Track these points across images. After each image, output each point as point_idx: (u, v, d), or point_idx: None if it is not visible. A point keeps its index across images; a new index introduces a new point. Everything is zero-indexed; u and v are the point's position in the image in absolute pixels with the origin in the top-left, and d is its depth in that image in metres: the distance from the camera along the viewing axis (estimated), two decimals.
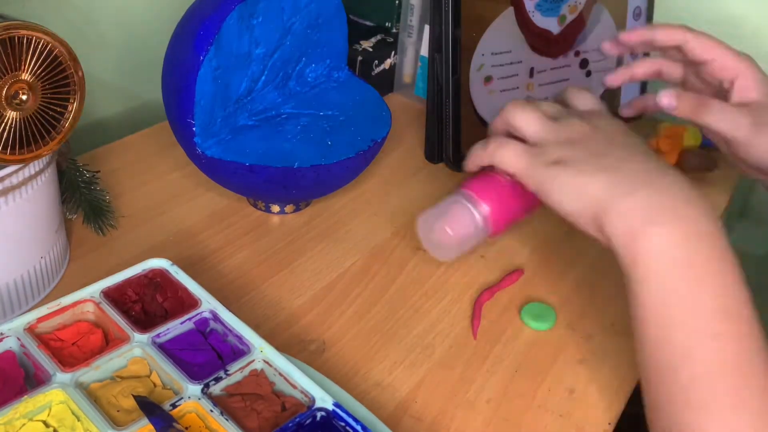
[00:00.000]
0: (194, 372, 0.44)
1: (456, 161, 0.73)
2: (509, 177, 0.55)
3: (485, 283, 0.60)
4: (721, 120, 0.55)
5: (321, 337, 0.53)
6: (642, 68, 0.62)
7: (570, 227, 0.67)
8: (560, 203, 0.46)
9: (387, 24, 0.89)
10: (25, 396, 0.40)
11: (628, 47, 0.62)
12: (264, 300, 0.56)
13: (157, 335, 0.46)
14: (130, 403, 0.42)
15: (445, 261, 0.60)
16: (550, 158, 0.46)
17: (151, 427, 0.40)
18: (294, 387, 0.44)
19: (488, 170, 0.56)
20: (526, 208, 0.59)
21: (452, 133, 0.73)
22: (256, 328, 0.52)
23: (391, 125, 0.64)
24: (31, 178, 0.49)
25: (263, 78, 0.63)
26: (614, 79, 0.63)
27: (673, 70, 0.62)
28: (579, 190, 0.44)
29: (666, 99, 0.56)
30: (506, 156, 0.48)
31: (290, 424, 0.41)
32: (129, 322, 0.46)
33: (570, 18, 0.79)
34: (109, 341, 0.46)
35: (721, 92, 0.58)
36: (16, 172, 0.48)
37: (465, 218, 0.52)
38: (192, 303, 0.48)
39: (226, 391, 0.43)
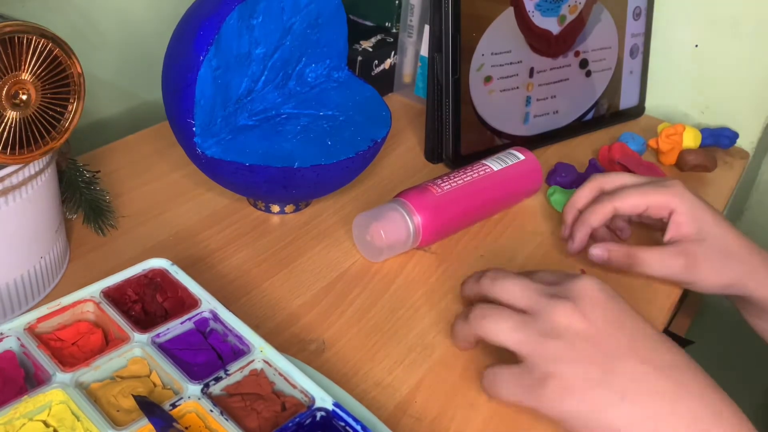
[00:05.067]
0: (194, 372, 0.44)
1: (455, 161, 0.73)
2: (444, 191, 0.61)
3: None
4: (652, 269, 0.57)
5: (321, 337, 0.53)
6: (596, 215, 0.60)
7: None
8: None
9: (387, 24, 0.89)
10: (25, 396, 0.40)
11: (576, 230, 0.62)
12: (264, 300, 0.56)
13: (157, 335, 0.46)
14: (130, 403, 0.42)
15: (375, 261, 0.61)
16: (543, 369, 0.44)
17: (151, 427, 0.40)
18: (294, 387, 0.44)
19: (425, 182, 0.61)
20: (459, 223, 0.64)
21: (452, 133, 0.73)
22: (256, 328, 0.52)
23: (391, 125, 0.64)
24: (31, 178, 0.49)
25: (263, 78, 0.63)
26: (576, 246, 0.61)
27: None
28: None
29: (597, 251, 0.59)
30: (495, 330, 0.46)
31: (290, 424, 0.41)
32: (129, 322, 0.46)
33: (570, 18, 0.79)
34: (109, 341, 0.46)
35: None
36: (16, 172, 0.48)
37: (399, 225, 0.59)
38: (192, 303, 0.48)
39: (226, 391, 0.43)
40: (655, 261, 0.57)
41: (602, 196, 0.60)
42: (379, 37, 0.87)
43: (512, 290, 0.47)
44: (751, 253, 0.57)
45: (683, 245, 0.56)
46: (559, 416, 0.43)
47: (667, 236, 0.58)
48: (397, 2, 0.87)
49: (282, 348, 0.51)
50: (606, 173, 0.62)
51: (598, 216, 0.59)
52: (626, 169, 0.75)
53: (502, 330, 0.45)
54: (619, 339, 0.44)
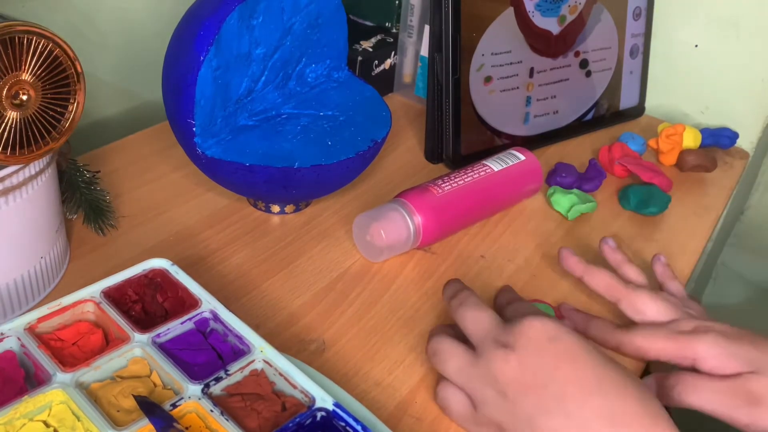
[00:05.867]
0: (194, 372, 0.44)
1: (455, 161, 0.73)
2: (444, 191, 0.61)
3: (485, 282, 0.60)
4: (712, 408, 0.47)
5: (321, 337, 0.53)
6: (597, 334, 0.54)
7: (570, 225, 0.68)
8: None
9: (387, 24, 0.89)
10: (26, 396, 0.40)
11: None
12: (264, 300, 0.56)
13: (158, 335, 0.46)
14: (130, 403, 0.42)
15: (375, 261, 0.61)
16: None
17: (151, 427, 0.40)
18: (294, 387, 0.44)
19: (425, 182, 0.61)
20: (459, 224, 0.64)
21: (452, 133, 0.73)
22: (256, 328, 0.52)
23: (391, 125, 0.64)
24: (31, 178, 0.49)
25: (263, 78, 0.63)
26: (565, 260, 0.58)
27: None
28: None
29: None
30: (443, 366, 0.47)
31: (290, 424, 0.41)
32: (129, 322, 0.46)
33: (570, 18, 0.79)
34: (110, 341, 0.46)
35: None
36: (16, 172, 0.48)
37: (400, 225, 0.59)
38: (192, 303, 0.48)
39: (227, 391, 0.43)
40: (717, 398, 0.47)
41: (621, 325, 0.53)
42: (379, 37, 0.87)
43: (468, 325, 0.47)
44: None
45: (739, 381, 0.46)
46: None
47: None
48: (397, 2, 0.86)
49: (282, 348, 0.51)
50: (638, 289, 0.53)
51: (601, 337, 0.53)
52: (626, 170, 0.75)
53: (449, 369, 0.46)
54: (550, 392, 0.42)
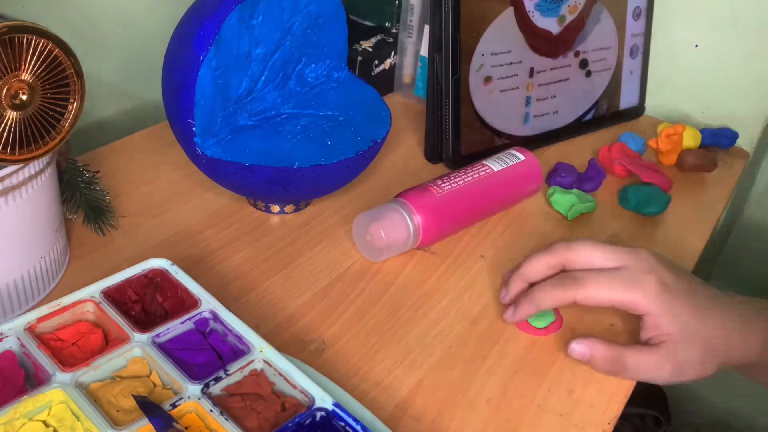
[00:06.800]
0: (194, 372, 0.44)
1: (455, 161, 0.73)
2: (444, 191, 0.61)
3: (485, 282, 0.60)
4: (640, 375, 0.52)
5: (321, 337, 0.53)
6: (549, 301, 0.54)
7: (569, 225, 0.68)
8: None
9: (387, 24, 0.89)
10: (25, 396, 0.40)
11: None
12: (264, 300, 0.56)
13: (157, 335, 0.46)
14: (130, 403, 0.42)
15: (375, 261, 0.61)
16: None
17: (151, 427, 0.40)
18: (294, 387, 0.44)
19: (425, 182, 0.61)
20: (459, 224, 0.64)
21: (452, 133, 0.73)
22: (256, 328, 0.52)
23: (391, 125, 0.64)
24: (31, 178, 0.49)
25: (263, 78, 0.63)
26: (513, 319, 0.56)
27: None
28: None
29: (580, 349, 0.52)
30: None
31: (290, 424, 0.41)
32: (129, 322, 0.46)
33: (570, 18, 0.79)
34: (109, 341, 0.46)
35: None
36: (16, 172, 0.48)
37: (400, 226, 0.59)
38: (192, 303, 0.48)
39: (226, 391, 0.43)
40: (642, 367, 0.51)
41: (563, 277, 0.53)
42: (379, 37, 0.87)
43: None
44: (725, 323, 0.52)
45: (667, 348, 0.51)
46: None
47: (644, 336, 0.52)
48: (397, 2, 0.86)
49: (282, 348, 0.51)
50: (570, 244, 0.54)
51: (552, 303, 0.53)
52: (626, 170, 0.75)
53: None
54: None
